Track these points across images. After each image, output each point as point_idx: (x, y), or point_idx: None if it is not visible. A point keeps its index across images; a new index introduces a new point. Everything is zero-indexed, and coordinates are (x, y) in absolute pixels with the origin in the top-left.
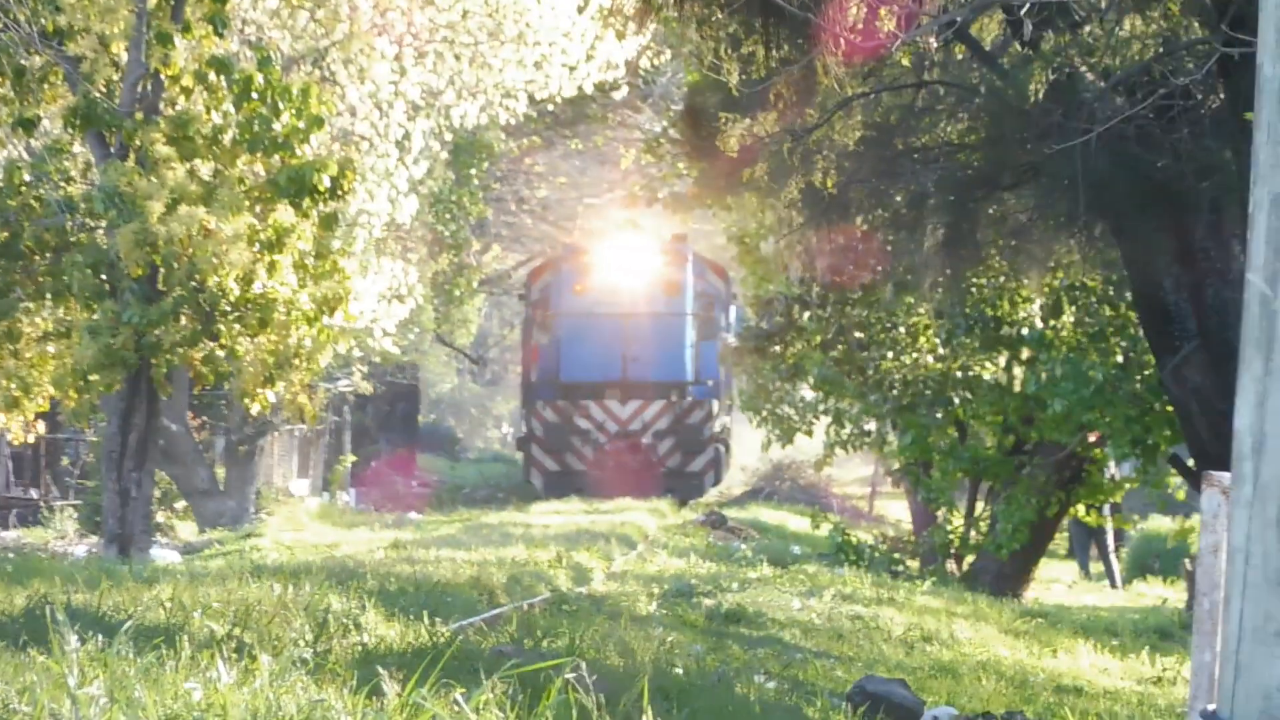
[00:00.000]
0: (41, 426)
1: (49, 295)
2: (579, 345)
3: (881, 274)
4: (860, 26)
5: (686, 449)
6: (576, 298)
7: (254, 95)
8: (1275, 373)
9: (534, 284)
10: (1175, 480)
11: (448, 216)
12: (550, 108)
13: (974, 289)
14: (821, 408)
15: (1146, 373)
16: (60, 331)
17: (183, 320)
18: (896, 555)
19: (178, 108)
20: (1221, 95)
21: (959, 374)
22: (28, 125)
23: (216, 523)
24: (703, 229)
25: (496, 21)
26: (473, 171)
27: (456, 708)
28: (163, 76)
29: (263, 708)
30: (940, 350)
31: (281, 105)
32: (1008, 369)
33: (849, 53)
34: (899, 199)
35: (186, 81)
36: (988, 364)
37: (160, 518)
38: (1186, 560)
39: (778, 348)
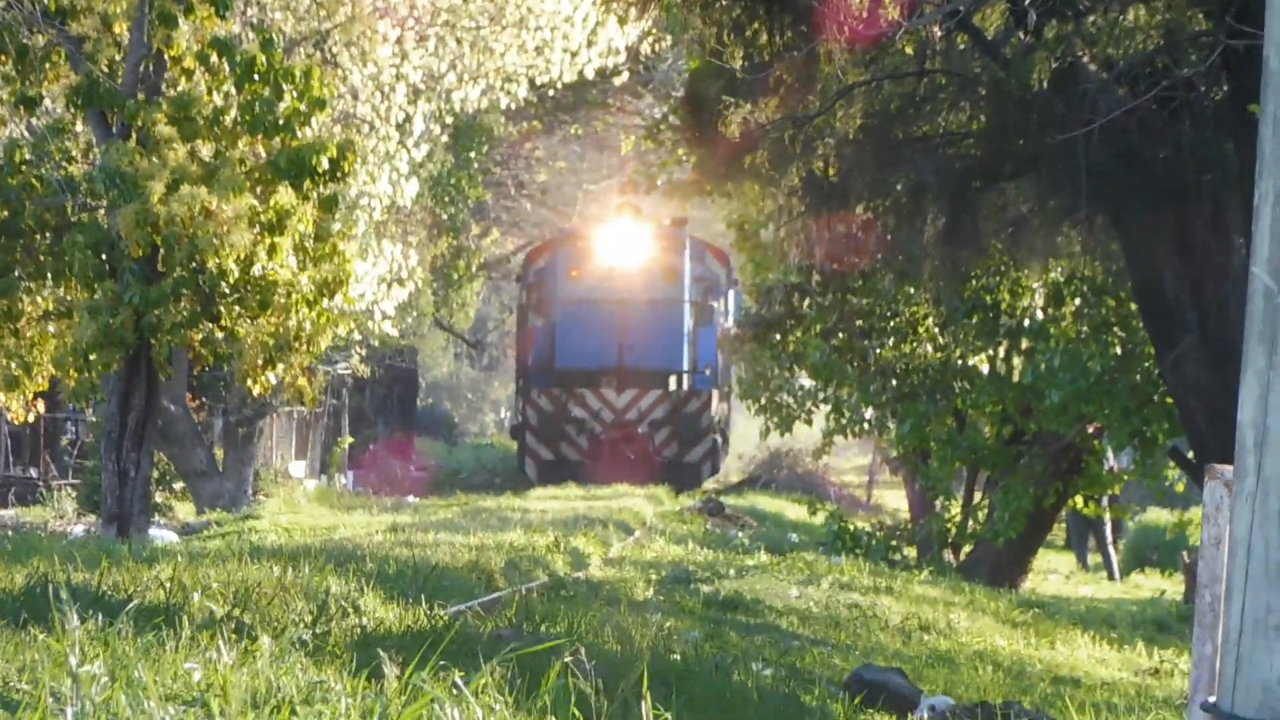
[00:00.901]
0: (41, 406)
1: (49, 275)
2: (574, 332)
3: (881, 262)
4: (864, 14)
5: (683, 439)
6: (572, 283)
7: (256, 77)
8: (1279, 367)
9: (530, 267)
10: (1173, 473)
11: (446, 200)
12: (551, 93)
13: (974, 278)
14: (820, 396)
15: (1146, 365)
16: (60, 311)
17: (183, 301)
18: (894, 543)
19: (179, 89)
20: (1225, 88)
21: (958, 364)
22: (30, 104)
23: (214, 504)
24: (702, 216)
25: (498, 6)
26: (472, 155)
27: (455, 691)
28: (165, 57)
29: (263, 688)
30: (940, 339)
31: (284, 87)
32: (1007, 359)
33: (852, 40)
34: (899, 188)
35: (188, 63)
36: (986, 354)
37: (158, 498)
38: (1184, 553)
39: (777, 336)
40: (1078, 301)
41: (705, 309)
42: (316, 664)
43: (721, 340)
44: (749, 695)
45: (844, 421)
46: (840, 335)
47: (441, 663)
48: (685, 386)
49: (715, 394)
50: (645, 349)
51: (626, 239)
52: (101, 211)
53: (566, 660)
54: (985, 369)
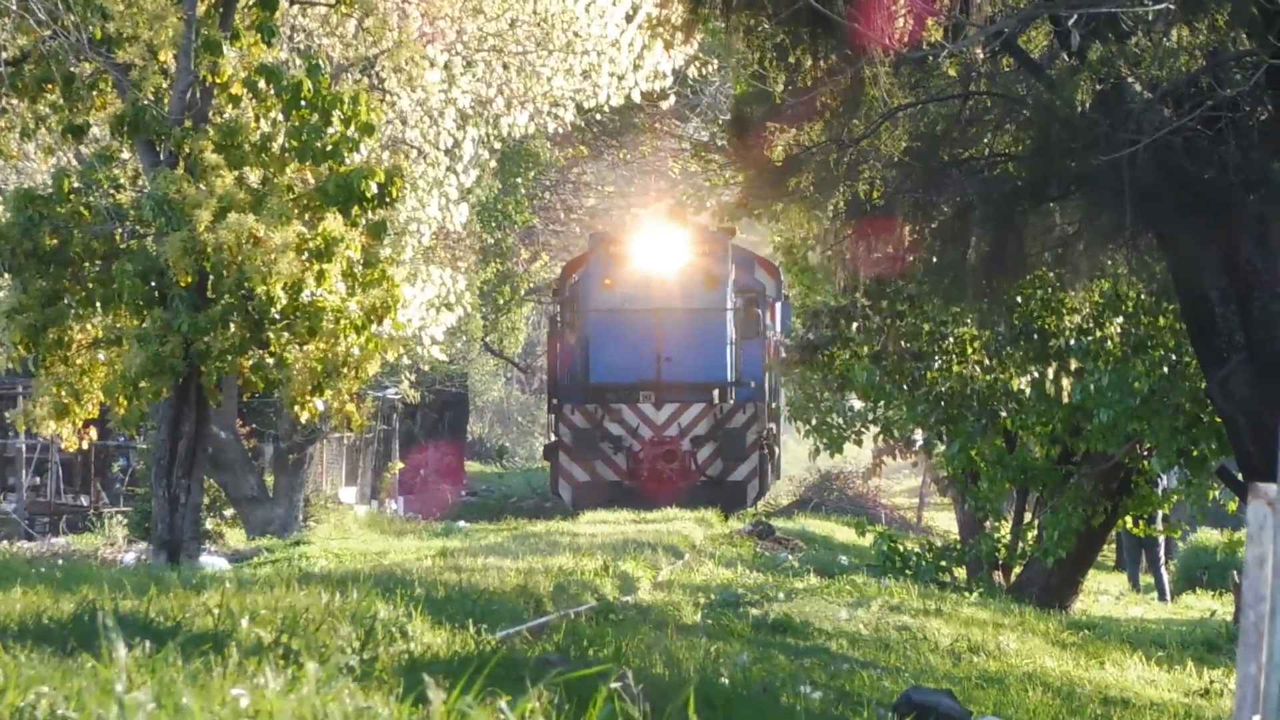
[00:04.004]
0: (92, 433)
1: (99, 302)
2: (609, 344)
3: (927, 285)
4: (906, 37)
5: (728, 456)
6: (606, 292)
7: (303, 103)
8: None
9: (566, 280)
10: (1216, 492)
11: (494, 225)
12: (598, 117)
13: (1020, 300)
14: (870, 417)
15: (1194, 384)
16: (110, 339)
17: (232, 328)
18: (943, 564)
19: (226, 116)
20: (1269, 107)
21: (1006, 385)
22: (77, 132)
23: (265, 530)
24: (752, 239)
25: (545, 31)
26: (519, 180)
27: (502, 716)
28: (211, 84)
29: (309, 714)
30: (987, 361)
31: (331, 113)
32: (1055, 380)
33: (896, 63)
34: (945, 209)
35: (235, 89)
36: (1034, 374)
37: (209, 525)
38: (1234, 573)
39: (824, 359)
40: (1121, 321)
41: (751, 319)
42: (364, 689)
43: (772, 361)
44: (798, 718)
45: (893, 441)
46: (889, 358)
47: (489, 688)
48: (730, 400)
49: (763, 409)
50: (685, 360)
51: (665, 244)
52: (150, 239)
53: (614, 684)
54: (1033, 390)
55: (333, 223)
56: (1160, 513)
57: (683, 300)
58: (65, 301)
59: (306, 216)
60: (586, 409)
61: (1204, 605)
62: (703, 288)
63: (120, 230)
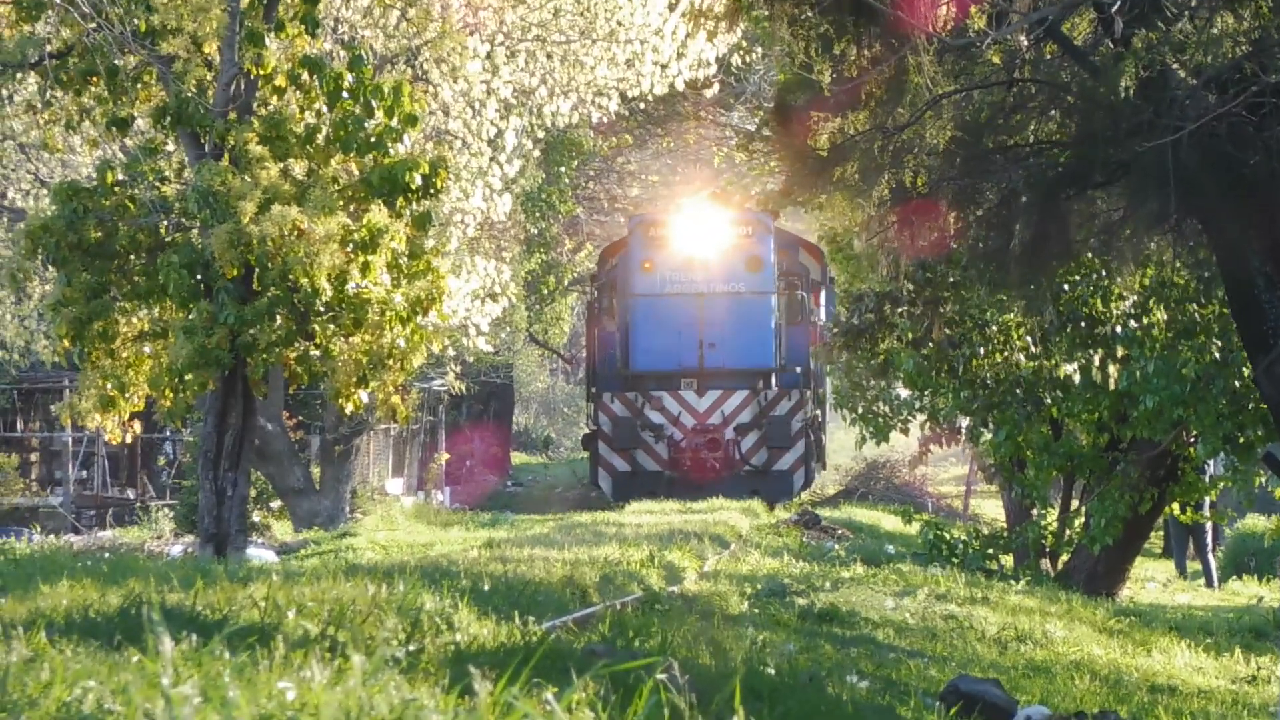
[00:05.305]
0: (138, 426)
1: (144, 295)
2: (649, 329)
3: (972, 272)
4: (951, 25)
5: (773, 444)
6: (646, 276)
7: (346, 95)
8: None
9: (606, 263)
10: (1263, 479)
11: (538, 215)
12: (642, 106)
13: (1066, 286)
14: (916, 405)
15: (1241, 370)
16: (156, 331)
17: (277, 320)
18: (990, 551)
19: (271, 107)
20: None
21: (1051, 372)
22: (122, 125)
23: (312, 522)
24: (796, 227)
25: (588, 20)
26: (562, 170)
27: (548, 707)
28: (255, 76)
29: (355, 707)
30: (1032, 349)
31: (374, 104)
32: (1101, 366)
33: (939, 51)
34: (990, 197)
35: (279, 81)
36: (1080, 361)
37: (256, 517)
38: None
39: (867, 344)
40: (1166, 307)
41: (794, 303)
42: (410, 681)
43: (817, 348)
44: (844, 708)
45: (939, 429)
46: (931, 344)
47: (535, 679)
48: (774, 387)
49: (808, 395)
50: (729, 346)
51: (706, 226)
52: (195, 231)
53: (660, 675)
54: (1079, 377)
55: (377, 214)
56: (1207, 499)
57: (725, 283)
58: (110, 294)
59: (351, 208)
60: (626, 397)
61: (1251, 592)
62: (745, 270)
63: (165, 223)
